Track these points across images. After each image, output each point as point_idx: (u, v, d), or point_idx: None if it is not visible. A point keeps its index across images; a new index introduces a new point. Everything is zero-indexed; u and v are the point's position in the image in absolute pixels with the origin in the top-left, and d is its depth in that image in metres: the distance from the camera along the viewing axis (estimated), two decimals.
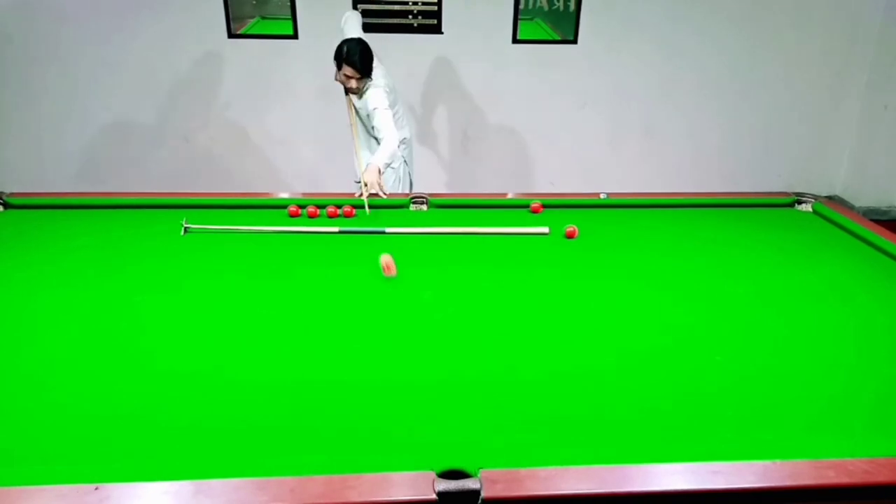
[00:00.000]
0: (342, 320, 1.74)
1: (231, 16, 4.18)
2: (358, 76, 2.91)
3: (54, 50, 4.19)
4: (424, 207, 2.59)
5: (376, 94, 2.95)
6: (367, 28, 4.26)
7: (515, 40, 4.38)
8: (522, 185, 4.72)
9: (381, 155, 2.81)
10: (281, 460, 1.19)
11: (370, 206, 2.55)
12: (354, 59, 2.87)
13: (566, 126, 4.65)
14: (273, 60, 4.34)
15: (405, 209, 2.59)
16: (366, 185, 2.64)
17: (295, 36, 4.26)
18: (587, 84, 4.55)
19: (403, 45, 4.33)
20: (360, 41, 2.94)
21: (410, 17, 4.26)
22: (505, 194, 2.70)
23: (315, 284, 1.95)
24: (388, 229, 2.30)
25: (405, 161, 3.35)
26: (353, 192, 2.66)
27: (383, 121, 2.90)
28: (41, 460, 1.20)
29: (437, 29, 4.31)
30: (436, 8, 4.25)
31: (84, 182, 4.41)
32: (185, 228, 2.28)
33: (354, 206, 2.51)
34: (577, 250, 2.23)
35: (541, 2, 4.28)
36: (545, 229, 2.32)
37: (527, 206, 2.63)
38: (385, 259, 1.98)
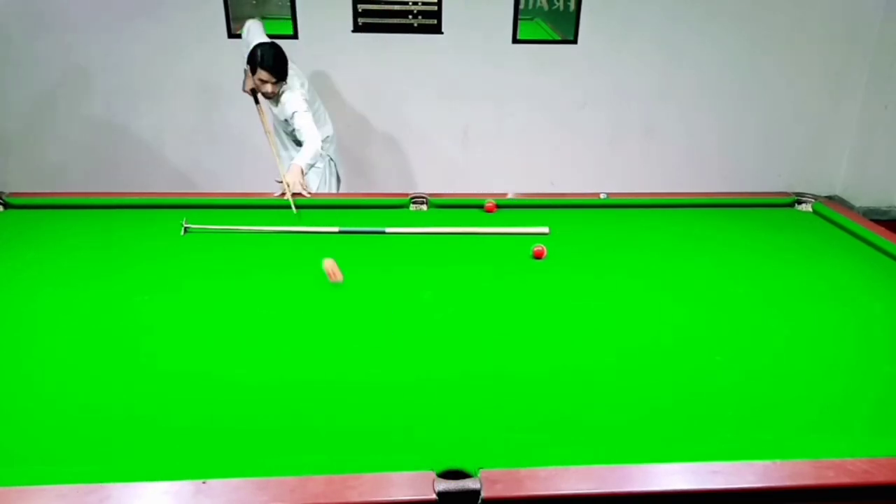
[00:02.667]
0: (342, 320, 1.74)
1: (231, 16, 4.18)
2: (274, 80, 2.91)
3: (54, 50, 4.19)
4: (424, 207, 2.59)
5: (293, 97, 2.95)
6: (365, 28, 4.28)
7: (515, 40, 4.38)
8: (522, 185, 4.71)
9: (304, 155, 2.82)
10: (281, 460, 1.19)
11: (296, 206, 2.53)
12: (269, 64, 2.87)
13: (566, 126, 4.65)
14: None
15: (405, 209, 2.59)
16: (288, 185, 2.62)
17: (295, 36, 4.26)
18: (587, 84, 4.54)
19: (403, 45, 4.33)
20: (273, 44, 2.95)
21: (410, 17, 4.26)
22: (505, 194, 2.70)
23: (315, 284, 1.95)
24: (388, 229, 2.30)
25: (331, 159, 3.36)
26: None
27: (304, 123, 2.91)
28: (41, 460, 1.21)
29: (437, 29, 4.31)
30: (436, 8, 4.25)
31: (84, 182, 4.41)
32: (185, 228, 2.28)
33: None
34: (577, 250, 2.23)
35: (541, 2, 4.28)
36: (545, 229, 2.32)
37: (527, 207, 2.63)
38: (328, 264, 1.85)
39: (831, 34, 4.49)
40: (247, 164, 4.61)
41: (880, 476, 1.15)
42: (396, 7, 4.22)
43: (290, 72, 3.01)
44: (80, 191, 3.00)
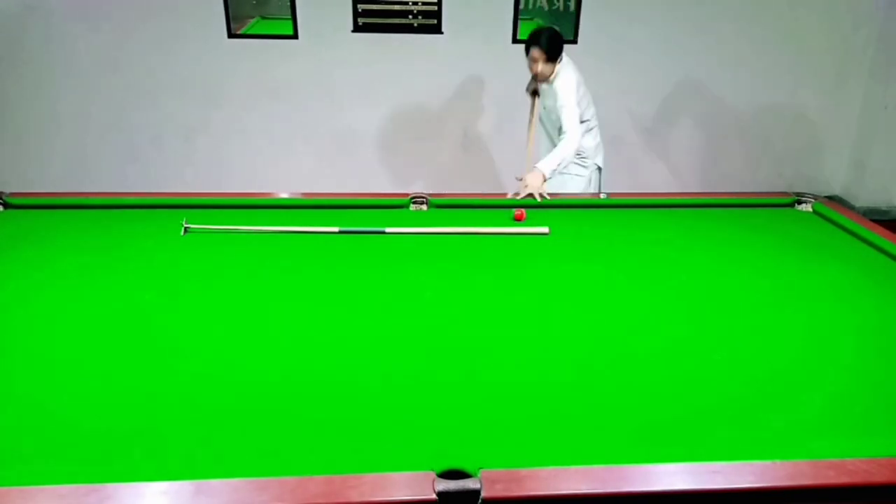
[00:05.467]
0: (342, 320, 1.74)
1: (231, 15, 4.18)
2: (544, 58, 2.90)
3: (54, 49, 4.19)
4: (424, 207, 2.59)
5: (566, 88, 2.91)
6: (365, 28, 4.28)
7: (515, 40, 4.38)
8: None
9: (552, 160, 2.79)
10: (281, 460, 1.19)
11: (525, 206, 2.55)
12: (542, 40, 2.88)
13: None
14: (273, 60, 4.34)
15: (405, 209, 2.59)
16: (526, 185, 2.65)
17: (295, 36, 4.26)
18: (587, 84, 4.54)
19: (403, 45, 4.33)
20: (550, 27, 2.97)
21: (410, 17, 4.26)
22: (505, 194, 2.70)
23: (315, 284, 1.95)
24: (388, 229, 2.30)
25: (599, 168, 3.27)
26: (349, 191, 2.67)
27: (569, 120, 2.86)
28: (41, 460, 1.20)
29: (437, 29, 4.31)
30: (436, 8, 4.25)
31: (84, 182, 4.41)
32: (185, 228, 2.28)
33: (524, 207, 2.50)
34: (577, 250, 2.23)
35: (541, 2, 4.28)
36: (545, 229, 2.32)
37: (527, 206, 2.62)
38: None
39: (831, 34, 4.49)
40: (247, 163, 4.62)
41: (880, 476, 1.15)
42: (396, 7, 4.22)
43: (568, 68, 2.99)
44: (80, 191, 2.99)
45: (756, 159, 4.83)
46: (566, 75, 2.96)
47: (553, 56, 2.93)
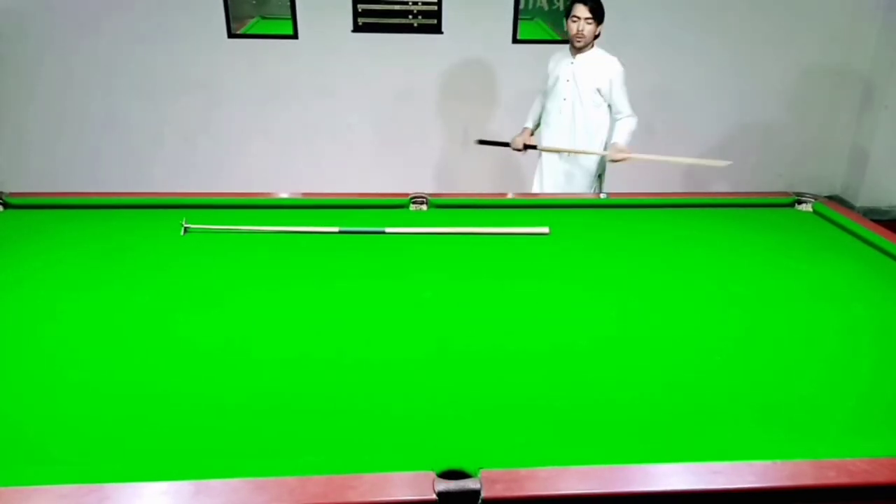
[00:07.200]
0: (341, 320, 1.74)
1: (231, 15, 4.18)
2: (590, 16, 2.80)
3: (53, 49, 4.19)
4: (424, 207, 2.59)
5: (614, 63, 2.87)
6: (365, 28, 4.28)
7: (515, 40, 4.38)
8: (522, 185, 4.71)
9: (623, 133, 2.86)
10: (281, 460, 1.19)
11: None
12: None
13: None
14: (273, 60, 4.35)
15: (405, 209, 2.58)
16: (619, 150, 2.76)
17: (295, 36, 4.26)
18: None
19: (403, 45, 4.33)
20: None
21: (410, 16, 4.26)
22: (505, 194, 2.69)
23: (314, 284, 1.94)
24: (388, 229, 2.29)
25: (600, 175, 3.26)
26: (349, 191, 2.66)
27: (623, 97, 2.89)
28: (41, 460, 1.20)
29: (437, 29, 4.31)
30: (436, 8, 4.25)
31: (84, 182, 4.41)
32: (185, 228, 2.27)
33: None
34: (577, 250, 2.23)
35: (541, 2, 4.28)
36: (545, 229, 2.32)
37: (527, 206, 2.63)
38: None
39: (831, 34, 4.49)
40: (247, 163, 4.62)
41: (881, 476, 1.15)
42: (396, 7, 4.22)
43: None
44: (80, 191, 2.99)
45: (756, 159, 4.83)
46: (615, 61, 2.90)
47: (599, 18, 2.82)
